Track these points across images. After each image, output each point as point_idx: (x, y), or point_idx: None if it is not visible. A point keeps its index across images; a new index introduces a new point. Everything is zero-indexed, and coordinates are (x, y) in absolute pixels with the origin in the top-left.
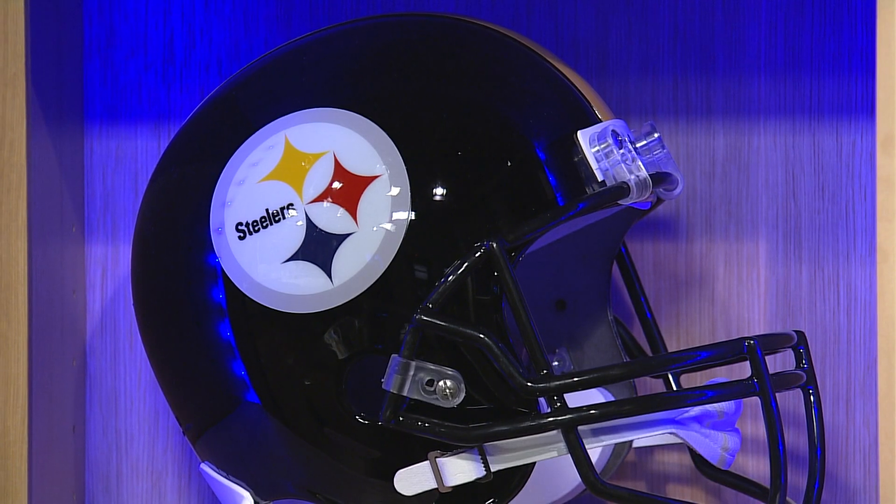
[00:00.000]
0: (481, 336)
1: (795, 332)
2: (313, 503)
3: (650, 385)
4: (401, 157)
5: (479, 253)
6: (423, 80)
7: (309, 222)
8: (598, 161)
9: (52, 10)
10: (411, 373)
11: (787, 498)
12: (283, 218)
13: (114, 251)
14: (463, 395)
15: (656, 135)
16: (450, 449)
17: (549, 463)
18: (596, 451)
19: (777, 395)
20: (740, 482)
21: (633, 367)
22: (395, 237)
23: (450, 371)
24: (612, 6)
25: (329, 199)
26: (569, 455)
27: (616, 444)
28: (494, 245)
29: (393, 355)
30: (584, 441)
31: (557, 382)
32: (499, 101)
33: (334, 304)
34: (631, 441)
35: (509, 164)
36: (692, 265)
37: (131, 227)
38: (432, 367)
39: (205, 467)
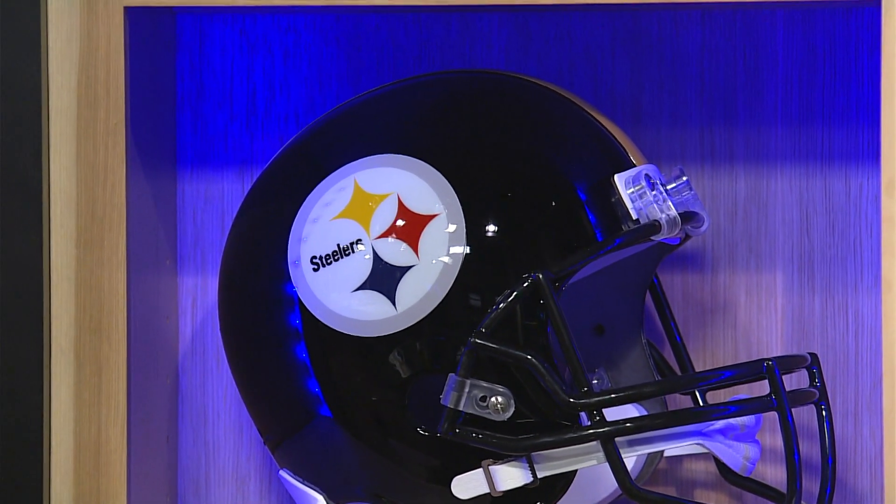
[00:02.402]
0: (529, 357)
1: (809, 353)
2: None
3: (679, 401)
4: (457, 198)
5: (526, 283)
6: (477, 130)
7: (375, 256)
8: (632, 201)
9: (149, 68)
10: (467, 390)
11: (802, 501)
12: (353, 252)
13: (203, 282)
14: (512, 409)
15: (685, 178)
16: (501, 458)
17: (590, 470)
18: (631, 459)
19: (792, 409)
20: (760, 488)
21: (665, 385)
22: (452, 269)
23: (501, 388)
24: (646, 63)
25: (393, 235)
26: (607, 463)
27: (649, 453)
28: (541, 276)
29: (450, 374)
30: (621, 451)
31: (597, 398)
32: (544, 147)
33: (398, 329)
34: (662, 451)
35: (554, 204)
36: (717, 294)
37: (218, 260)
38: (485, 384)
39: (283, 473)
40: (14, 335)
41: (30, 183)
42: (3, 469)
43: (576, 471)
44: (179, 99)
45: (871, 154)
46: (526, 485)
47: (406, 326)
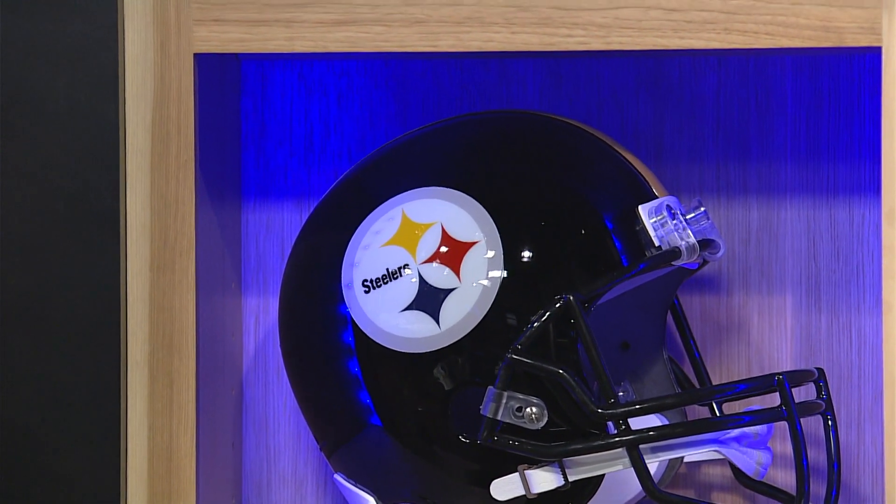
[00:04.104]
0: (561, 372)
1: (816, 368)
2: None
3: (698, 411)
4: (495, 227)
5: (559, 304)
6: (513, 164)
7: (421, 279)
8: (655, 230)
9: (216, 109)
10: (504, 401)
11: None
12: (401, 276)
13: (264, 303)
14: (546, 419)
15: (702, 209)
16: (535, 463)
17: (616, 474)
18: (654, 464)
19: (801, 419)
20: (772, 490)
21: (684, 397)
22: (491, 291)
23: (535, 400)
24: (666, 104)
25: (437, 261)
26: (632, 468)
27: (670, 459)
28: (571, 298)
29: (489, 387)
30: (645, 457)
31: (623, 409)
32: (575, 180)
33: (441, 346)
34: (682, 457)
35: (583, 232)
36: (731, 314)
37: (278, 283)
38: (521, 396)
39: (337, 477)
40: (94, 351)
41: (108, 213)
42: (84, 472)
43: (604, 475)
44: (244, 137)
45: (872, 187)
46: (558, 487)
47: (449, 343)
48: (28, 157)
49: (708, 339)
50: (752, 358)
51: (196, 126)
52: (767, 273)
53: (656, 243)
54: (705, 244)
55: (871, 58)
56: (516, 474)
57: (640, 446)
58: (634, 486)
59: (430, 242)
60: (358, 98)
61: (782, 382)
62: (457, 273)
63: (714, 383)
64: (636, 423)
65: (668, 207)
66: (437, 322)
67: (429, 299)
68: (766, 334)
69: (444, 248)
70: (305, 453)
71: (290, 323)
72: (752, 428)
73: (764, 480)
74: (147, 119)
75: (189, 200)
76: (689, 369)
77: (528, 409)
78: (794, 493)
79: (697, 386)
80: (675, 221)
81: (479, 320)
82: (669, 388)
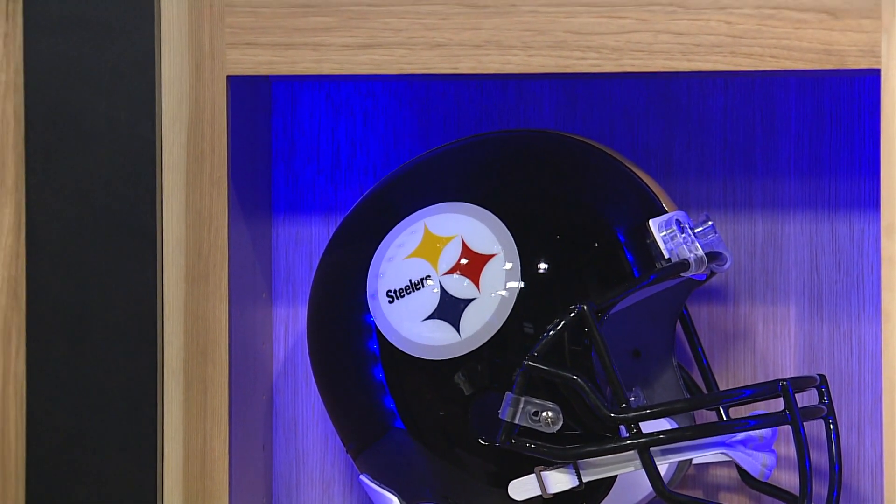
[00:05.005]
0: (575, 378)
1: (818, 375)
2: None
3: (706, 416)
4: (513, 240)
5: (573, 313)
6: (530, 181)
7: (442, 290)
8: (665, 243)
9: (248, 128)
10: (521, 406)
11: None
12: (423, 286)
13: (293, 312)
14: (561, 423)
15: (710, 223)
16: (551, 464)
17: (628, 475)
18: (664, 466)
19: (804, 423)
20: (776, 491)
21: (693, 402)
22: (509, 301)
23: (551, 404)
24: (676, 123)
25: (458, 272)
26: (643, 469)
27: (679, 461)
28: (585, 308)
29: (507, 392)
30: (655, 459)
31: (634, 413)
32: (588, 196)
33: (462, 353)
34: (691, 459)
35: (597, 245)
36: (738, 323)
37: (307, 294)
38: (537, 401)
39: (363, 478)
40: (132, 359)
41: (145, 227)
42: (123, 474)
43: (616, 475)
44: (274, 155)
45: (871, 202)
46: (573, 488)
47: (469, 351)
48: (69, 175)
49: (715, 346)
50: (757, 365)
51: (229, 145)
52: (772, 284)
53: (666, 256)
54: (713, 256)
55: (870, 79)
56: (533, 475)
57: (651, 449)
58: (645, 487)
59: (450, 255)
60: (383, 117)
61: (786, 388)
62: (476, 284)
63: (721, 389)
64: (647, 426)
65: (678, 221)
66: (458, 331)
67: (450, 309)
68: (770, 342)
69: (464, 261)
70: (333, 455)
71: (318, 331)
72: (757, 431)
73: (768, 481)
74: (182, 138)
75: (222, 215)
76: (697, 376)
77: (544, 414)
78: (797, 493)
79: (705, 391)
80: (683, 235)
81: (497, 329)
82: (678, 394)
